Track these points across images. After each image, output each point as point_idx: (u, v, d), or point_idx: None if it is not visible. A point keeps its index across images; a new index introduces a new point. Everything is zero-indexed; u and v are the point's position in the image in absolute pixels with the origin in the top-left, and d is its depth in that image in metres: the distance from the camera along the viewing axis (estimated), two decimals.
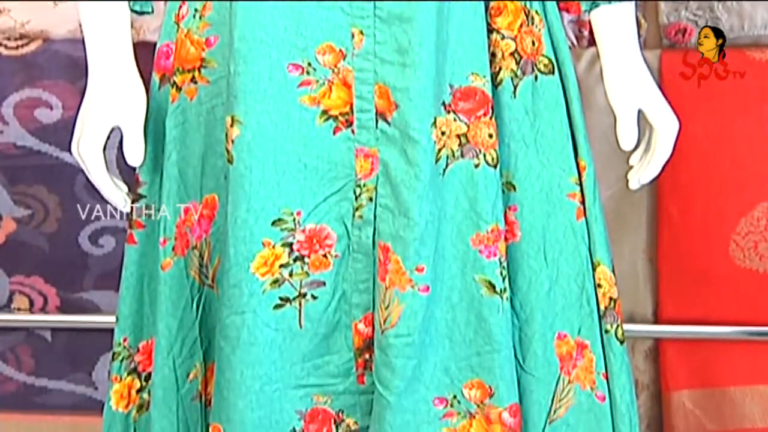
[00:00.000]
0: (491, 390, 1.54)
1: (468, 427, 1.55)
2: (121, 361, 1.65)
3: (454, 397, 1.55)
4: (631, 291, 2.22)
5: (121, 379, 1.65)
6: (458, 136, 1.53)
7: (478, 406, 1.55)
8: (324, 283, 1.55)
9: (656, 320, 2.24)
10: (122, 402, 1.65)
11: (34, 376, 2.32)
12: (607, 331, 1.60)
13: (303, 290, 1.54)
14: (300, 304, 1.54)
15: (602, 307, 1.60)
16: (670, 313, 2.22)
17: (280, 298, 1.53)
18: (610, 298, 1.60)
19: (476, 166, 1.53)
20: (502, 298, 1.53)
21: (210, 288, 1.60)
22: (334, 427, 1.58)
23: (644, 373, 2.26)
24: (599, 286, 1.60)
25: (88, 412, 2.31)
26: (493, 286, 1.53)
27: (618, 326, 1.60)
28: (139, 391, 1.65)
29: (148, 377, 1.64)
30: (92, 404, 2.31)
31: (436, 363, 1.54)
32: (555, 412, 1.58)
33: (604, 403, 1.59)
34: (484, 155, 1.53)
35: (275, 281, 1.53)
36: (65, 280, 2.30)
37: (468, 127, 1.53)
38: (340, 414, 1.58)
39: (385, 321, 1.52)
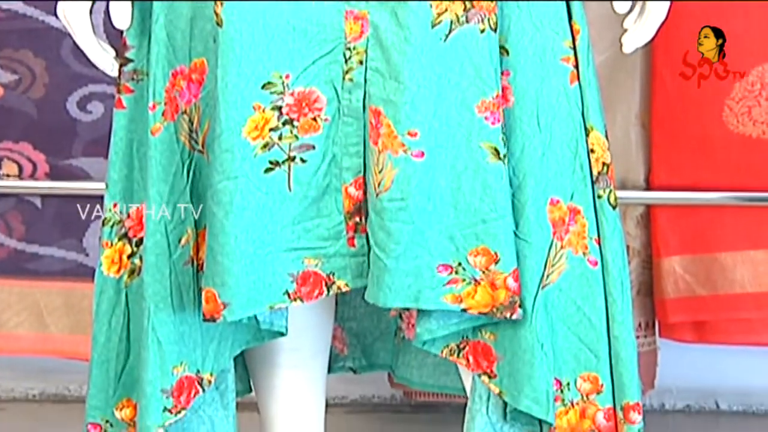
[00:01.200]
0: (497, 256, 1.54)
1: (473, 293, 1.55)
2: (112, 226, 1.65)
3: (459, 263, 1.55)
4: (623, 157, 2.22)
5: (111, 244, 1.65)
6: (463, 1, 1.51)
7: (483, 272, 1.55)
8: (313, 147, 1.54)
9: (648, 186, 2.25)
10: (113, 267, 1.65)
11: (25, 242, 2.33)
12: (599, 197, 1.59)
13: (292, 153, 1.53)
14: (289, 168, 1.53)
15: (595, 173, 1.60)
16: (662, 179, 2.22)
17: (270, 162, 1.52)
18: (603, 163, 1.60)
19: (482, 31, 1.51)
20: (504, 163, 1.53)
21: (200, 153, 1.59)
22: (325, 289, 1.58)
23: (635, 239, 2.27)
24: (592, 151, 1.60)
25: (79, 278, 2.32)
26: (498, 152, 1.52)
27: (611, 191, 1.60)
28: (130, 256, 1.65)
29: (139, 242, 1.64)
30: (84, 270, 2.31)
31: (441, 230, 1.54)
32: (547, 277, 1.58)
33: (596, 268, 1.59)
34: (488, 20, 1.51)
35: (265, 145, 1.52)
36: (54, 147, 2.29)
37: None
38: (331, 276, 1.59)
39: (379, 184, 1.51)
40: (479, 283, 1.55)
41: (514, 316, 1.54)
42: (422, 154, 1.50)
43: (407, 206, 1.51)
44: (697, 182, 2.19)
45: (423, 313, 1.58)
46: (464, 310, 1.55)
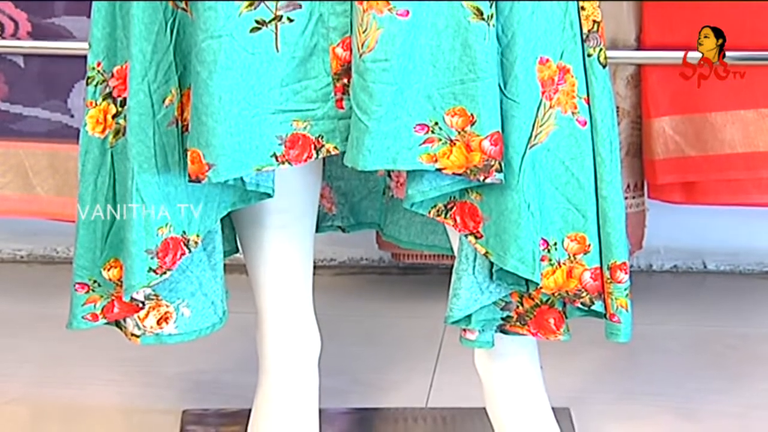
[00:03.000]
0: (473, 118, 1.53)
1: (448, 153, 1.55)
2: (96, 85, 1.63)
3: (436, 123, 1.54)
4: (614, 16, 2.20)
5: (96, 104, 1.64)
6: None
7: (459, 133, 1.54)
8: (300, 6, 1.52)
9: (639, 46, 2.23)
10: (98, 127, 1.64)
11: (9, 103, 2.31)
12: (589, 55, 1.58)
13: (279, 12, 1.51)
14: (276, 27, 1.51)
15: (585, 30, 1.58)
16: (653, 39, 2.20)
17: (256, 21, 1.50)
18: (594, 21, 1.58)
19: None
20: (488, 24, 1.50)
21: (184, 11, 1.57)
22: (314, 152, 1.58)
23: (625, 100, 2.25)
24: (582, 8, 1.58)
25: (65, 140, 2.30)
26: (481, 12, 1.50)
27: (601, 50, 1.58)
28: (114, 116, 1.64)
29: (123, 102, 1.63)
30: (68, 132, 2.30)
31: (419, 89, 1.53)
32: (536, 137, 1.58)
33: (585, 128, 1.59)
34: None
35: (251, 3, 1.50)
36: (36, 5, 2.26)
37: None
38: (320, 139, 1.57)
39: (362, 45, 1.49)
40: (454, 144, 1.54)
41: (488, 180, 1.53)
42: (407, 13, 1.48)
43: (391, 67, 1.49)
44: (689, 42, 2.17)
45: (414, 174, 1.57)
46: (439, 170, 1.54)
